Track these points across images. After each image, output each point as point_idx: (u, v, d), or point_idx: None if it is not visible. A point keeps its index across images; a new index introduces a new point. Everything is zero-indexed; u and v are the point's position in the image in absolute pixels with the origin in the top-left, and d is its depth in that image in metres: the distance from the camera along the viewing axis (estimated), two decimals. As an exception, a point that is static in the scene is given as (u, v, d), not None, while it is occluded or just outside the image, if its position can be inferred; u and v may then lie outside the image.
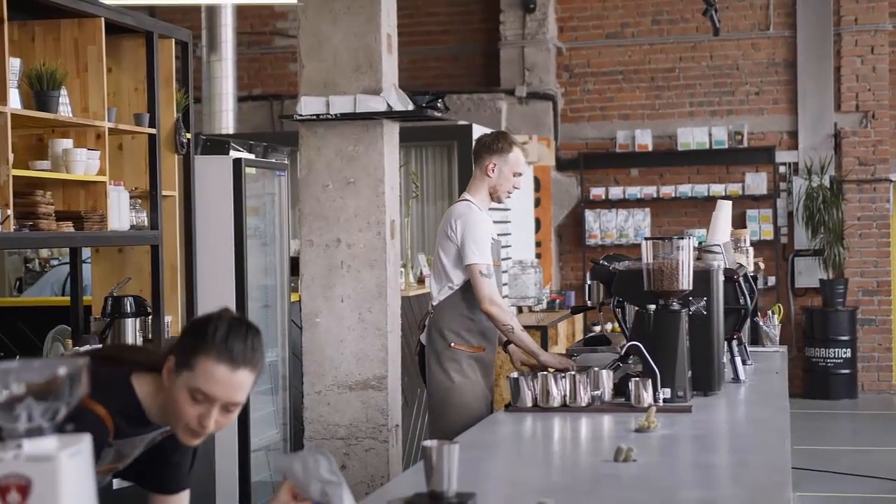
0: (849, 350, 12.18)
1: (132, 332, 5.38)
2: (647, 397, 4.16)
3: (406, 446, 6.74)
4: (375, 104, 5.64)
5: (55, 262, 8.83)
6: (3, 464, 1.70)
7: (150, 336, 5.56)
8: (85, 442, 1.79)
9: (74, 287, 5.63)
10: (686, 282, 4.36)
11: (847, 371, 12.20)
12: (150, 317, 5.54)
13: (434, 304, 5.26)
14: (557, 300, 11.16)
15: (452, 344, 5.16)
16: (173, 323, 5.82)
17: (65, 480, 1.72)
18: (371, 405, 5.69)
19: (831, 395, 12.12)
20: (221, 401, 2.54)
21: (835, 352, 12.16)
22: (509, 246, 10.47)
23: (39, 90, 4.78)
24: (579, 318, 11.29)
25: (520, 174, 5.31)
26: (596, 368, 4.36)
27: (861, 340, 12.41)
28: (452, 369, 5.15)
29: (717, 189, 12.51)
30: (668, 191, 12.72)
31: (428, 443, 2.73)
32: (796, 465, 8.36)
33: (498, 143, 5.28)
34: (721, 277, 4.65)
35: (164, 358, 2.62)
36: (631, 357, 4.43)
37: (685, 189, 12.68)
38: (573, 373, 4.30)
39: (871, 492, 8.19)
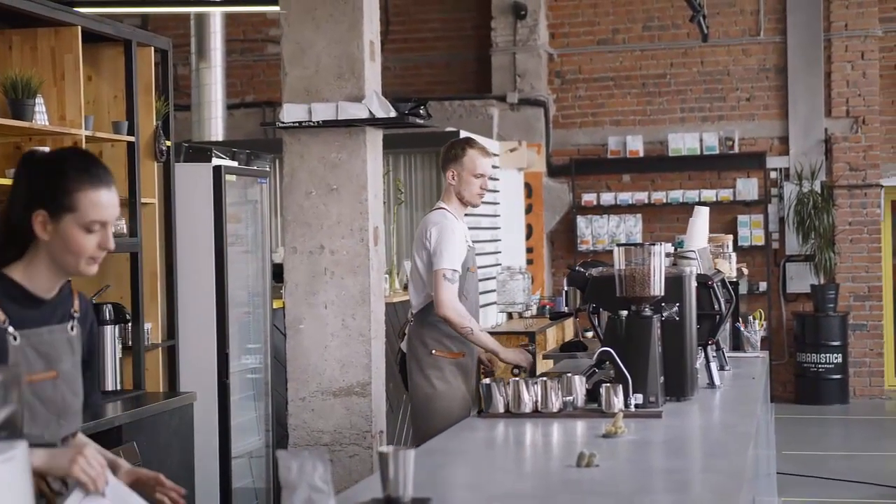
0: (840, 355, 12.19)
1: (111, 339, 5.39)
2: (618, 403, 4.16)
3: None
4: (357, 111, 5.66)
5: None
6: (-65, 470, 1.72)
7: (129, 343, 5.57)
8: (20, 449, 1.81)
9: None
10: (658, 287, 4.37)
11: (838, 376, 12.21)
12: (129, 324, 5.55)
13: (413, 311, 5.34)
14: (548, 306, 11.17)
15: (434, 351, 5.24)
16: (153, 330, 5.83)
17: (-3, 486, 1.74)
18: (355, 411, 5.70)
19: (822, 400, 12.12)
20: (111, 220, 2.71)
21: (826, 357, 12.17)
22: (499, 252, 10.49)
23: (15, 98, 4.80)
24: (569, 323, 11.31)
25: (481, 175, 5.36)
26: (569, 374, 4.38)
27: (852, 346, 12.42)
28: (434, 376, 5.21)
29: (709, 195, 12.53)
30: (659, 196, 12.74)
31: (383, 449, 2.75)
32: (785, 470, 8.38)
33: (452, 150, 5.41)
34: (694, 283, 4.66)
35: (24, 222, 2.67)
36: (605, 363, 4.44)
37: (676, 195, 12.70)
38: (545, 379, 4.31)
39: (861, 497, 8.20)
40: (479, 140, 5.76)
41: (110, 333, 5.40)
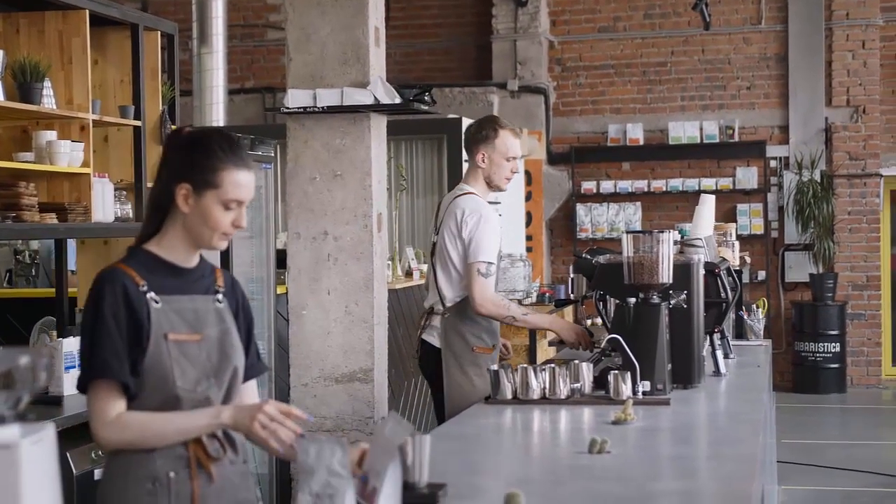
0: (838, 344, 12.21)
1: (117, 323, 5.38)
2: (626, 390, 4.17)
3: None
4: (362, 97, 5.64)
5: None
6: (-35, 451, 1.72)
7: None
8: (48, 430, 1.81)
9: (60, 278, 5.64)
10: (666, 275, 4.37)
11: (836, 365, 12.24)
12: (134, 308, 5.53)
13: (447, 304, 5.10)
14: (548, 294, 11.18)
15: (475, 348, 5.06)
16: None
17: (26, 468, 1.73)
18: (357, 398, 5.70)
19: (820, 389, 12.15)
20: (247, 201, 2.85)
21: (824, 346, 12.19)
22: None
23: (23, 82, 4.78)
24: (570, 311, 11.32)
25: (513, 158, 5.16)
26: (576, 361, 4.39)
27: (850, 335, 12.44)
28: (474, 373, 5.02)
29: (708, 183, 12.53)
30: (659, 185, 12.74)
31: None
32: (784, 458, 8.40)
33: (482, 130, 5.16)
34: (701, 271, 4.66)
35: (167, 195, 2.82)
36: (611, 350, 4.44)
37: (676, 183, 12.71)
38: (553, 365, 4.31)
39: (859, 486, 8.22)
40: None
41: (116, 318, 5.38)
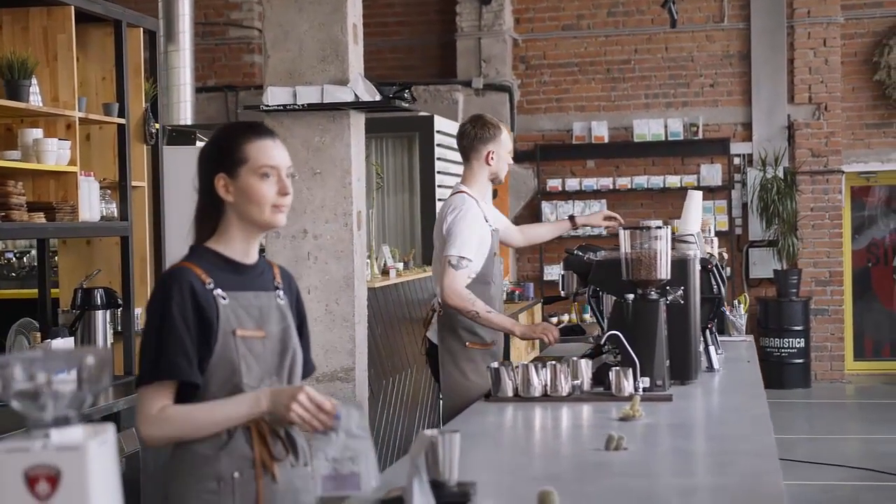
0: (802, 340, 12.31)
1: (102, 324, 5.32)
2: (628, 386, 4.17)
3: (372, 437, 6.73)
4: (343, 94, 5.62)
5: (9, 255, 8.71)
6: (32, 454, 1.69)
7: (119, 328, 5.50)
8: (110, 432, 1.77)
9: (43, 279, 5.55)
10: (664, 271, 4.38)
11: (800, 360, 12.34)
12: (120, 309, 5.47)
13: (440, 301, 5.08)
14: (517, 292, 11.21)
15: (467, 343, 5.07)
16: (143, 315, 5.75)
17: (94, 469, 1.70)
18: (339, 397, 5.60)
19: (785, 384, 12.24)
20: (282, 167, 2.83)
21: (789, 341, 12.29)
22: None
23: (10, 79, 4.70)
24: (538, 308, 11.36)
25: (510, 151, 5.27)
26: (575, 358, 4.38)
27: (814, 330, 12.55)
28: (469, 369, 5.03)
29: (673, 180, 12.60)
30: (624, 182, 12.78)
31: (429, 432, 2.73)
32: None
33: (488, 130, 5.19)
34: (697, 266, 4.68)
35: (210, 194, 2.84)
36: (606, 346, 4.44)
37: (641, 180, 12.75)
38: (554, 363, 4.30)
39: (827, 479, 8.29)
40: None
41: (101, 318, 5.32)
